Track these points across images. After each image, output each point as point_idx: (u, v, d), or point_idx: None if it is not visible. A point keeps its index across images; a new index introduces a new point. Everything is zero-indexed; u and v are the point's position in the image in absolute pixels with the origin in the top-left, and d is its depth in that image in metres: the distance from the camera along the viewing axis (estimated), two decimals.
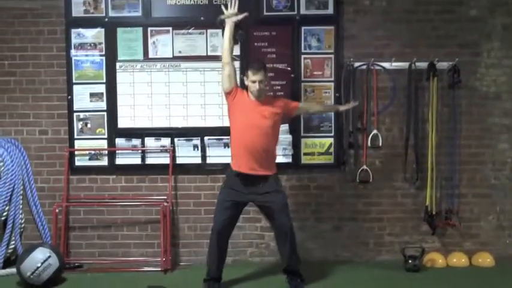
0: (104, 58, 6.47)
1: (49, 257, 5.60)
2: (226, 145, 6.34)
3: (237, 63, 6.20)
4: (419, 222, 6.52)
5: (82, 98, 6.47)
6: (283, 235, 5.50)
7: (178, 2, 6.46)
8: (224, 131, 6.23)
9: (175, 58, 6.45)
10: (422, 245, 6.27)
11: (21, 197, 6.30)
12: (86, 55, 6.47)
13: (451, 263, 6.39)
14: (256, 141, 5.36)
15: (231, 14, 5.53)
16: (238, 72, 5.99)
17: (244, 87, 5.61)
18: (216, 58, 6.30)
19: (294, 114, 5.86)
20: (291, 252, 5.54)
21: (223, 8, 5.61)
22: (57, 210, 6.34)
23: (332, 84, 6.49)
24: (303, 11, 6.46)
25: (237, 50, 6.22)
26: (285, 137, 6.25)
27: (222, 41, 5.63)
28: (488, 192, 6.59)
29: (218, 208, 5.53)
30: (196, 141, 6.45)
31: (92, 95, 6.47)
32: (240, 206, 5.53)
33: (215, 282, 5.59)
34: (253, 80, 5.39)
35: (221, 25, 5.59)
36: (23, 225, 6.38)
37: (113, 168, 6.50)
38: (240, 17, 5.55)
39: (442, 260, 6.35)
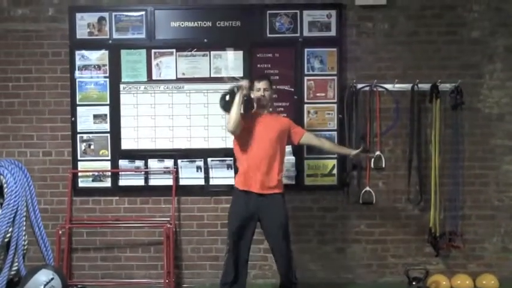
0: (107, 80, 6.50)
1: (52, 279, 5.56)
2: (229, 166, 6.35)
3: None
4: (423, 244, 6.50)
5: (86, 119, 6.49)
6: (279, 256, 5.51)
7: (182, 24, 6.49)
8: (227, 153, 6.26)
9: (178, 80, 6.48)
10: (426, 267, 6.20)
11: (24, 219, 6.26)
12: (90, 77, 6.49)
13: (455, 285, 6.36)
14: (265, 153, 5.39)
15: (244, 87, 5.45)
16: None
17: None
18: (220, 80, 6.38)
19: (298, 140, 5.73)
20: (285, 272, 5.53)
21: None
22: (60, 232, 6.32)
23: (335, 105, 6.50)
24: (306, 33, 6.49)
25: (239, 72, 6.30)
26: (288, 158, 6.22)
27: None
28: (492, 213, 6.57)
29: (230, 227, 5.51)
30: (200, 162, 6.45)
31: (95, 116, 6.49)
32: (251, 222, 5.49)
33: None
34: (258, 87, 5.53)
35: (230, 95, 5.44)
36: (26, 247, 6.34)
37: (116, 190, 6.51)
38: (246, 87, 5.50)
39: (446, 282, 6.32)
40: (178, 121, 6.48)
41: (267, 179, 5.41)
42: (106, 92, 6.50)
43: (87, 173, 6.50)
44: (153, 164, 6.47)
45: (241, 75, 6.37)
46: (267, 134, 5.41)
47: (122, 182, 6.50)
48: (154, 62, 6.49)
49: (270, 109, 5.79)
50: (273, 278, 6.17)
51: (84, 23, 6.48)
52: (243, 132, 5.44)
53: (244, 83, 5.45)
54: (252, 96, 5.56)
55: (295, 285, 5.61)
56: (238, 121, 5.31)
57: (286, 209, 5.58)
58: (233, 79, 6.34)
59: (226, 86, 6.08)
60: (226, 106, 5.42)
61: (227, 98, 5.40)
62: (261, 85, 5.52)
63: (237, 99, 5.33)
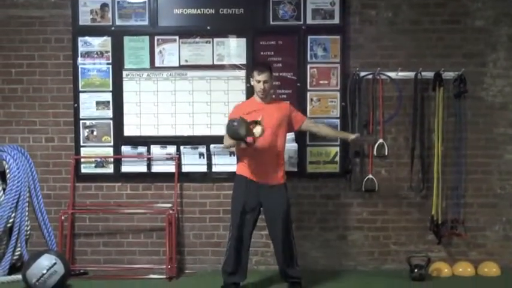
0: (110, 66, 6.49)
1: (55, 263, 5.60)
2: (231, 153, 6.35)
3: (242, 72, 6.28)
4: (425, 232, 6.50)
5: (88, 106, 6.49)
6: (279, 243, 5.55)
7: (185, 11, 6.48)
8: None
9: (181, 67, 6.47)
10: (428, 255, 6.23)
11: (27, 204, 6.31)
12: (93, 63, 6.49)
13: (456, 273, 6.36)
14: (267, 141, 5.41)
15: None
16: (244, 81, 6.25)
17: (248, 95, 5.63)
18: (222, 67, 6.39)
19: (299, 127, 5.77)
20: (289, 262, 5.59)
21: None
22: (62, 218, 6.35)
23: (338, 93, 6.50)
24: (309, 21, 6.47)
25: (242, 59, 6.32)
26: (290, 145, 6.24)
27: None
28: (494, 201, 6.57)
29: (234, 214, 5.57)
30: (202, 149, 6.46)
31: (98, 103, 6.49)
32: (255, 208, 5.54)
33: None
34: (258, 79, 5.50)
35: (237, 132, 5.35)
36: (28, 232, 6.38)
37: (119, 176, 6.51)
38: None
39: (447, 269, 6.33)
40: (180, 108, 6.48)
41: (270, 170, 5.47)
42: (109, 78, 6.50)
43: (90, 159, 6.50)
44: (156, 150, 6.47)
45: (244, 62, 6.36)
46: (268, 123, 5.39)
47: (125, 168, 6.50)
48: (157, 49, 6.48)
49: (273, 96, 5.80)
50: (275, 265, 6.16)
51: (87, 10, 6.47)
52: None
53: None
54: (252, 83, 5.60)
55: (297, 272, 5.63)
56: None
57: (288, 197, 5.62)
58: (235, 66, 6.35)
59: (228, 73, 6.14)
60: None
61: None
62: (261, 77, 5.49)
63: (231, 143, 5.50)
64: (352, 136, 5.81)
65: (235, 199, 5.58)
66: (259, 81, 5.49)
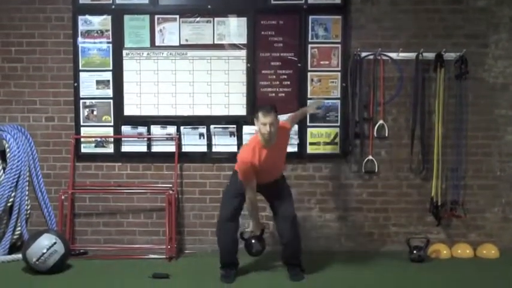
0: (110, 45, 6.47)
1: (55, 243, 5.61)
2: (232, 134, 6.36)
3: (243, 52, 6.25)
4: (425, 213, 6.52)
5: (88, 85, 6.47)
6: (287, 221, 5.49)
7: None
8: (230, 120, 6.32)
9: (182, 46, 6.44)
10: (427, 236, 6.26)
11: (27, 184, 6.32)
12: (93, 42, 6.46)
13: (455, 254, 6.38)
14: (274, 168, 5.45)
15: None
16: (244, 61, 6.21)
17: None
18: (223, 47, 6.36)
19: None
20: (294, 241, 5.55)
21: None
22: (63, 197, 6.35)
23: (339, 74, 6.48)
24: (310, 0, 6.43)
25: (243, 39, 6.28)
26: None
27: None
28: (494, 183, 6.58)
29: (226, 197, 5.57)
30: (202, 129, 6.45)
31: (98, 82, 6.48)
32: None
33: (232, 268, 5.61)
34: (263, 122, 5.16)
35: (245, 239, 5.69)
36: (29, 212, 6.41)
37: (119, 156, 6.52)
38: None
39: (446, 251, 6.35)
40: (181, 88, 6.46)
41: (271, 179, 5.49)
42: (109, 57, 6.47)
43: (90, 139, 6.50)
44: (156, 130, 6.47)
45: (245, 42, 6.33)
46: (274, 162, 5.39)
47: (125, 148, 6.50)
48: (157, 28, 6.45)
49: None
50: (274, 245, 6.17)
51: None
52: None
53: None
54: (256, 125, 5.31)
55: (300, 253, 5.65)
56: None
57: (287, 184, 5.70)
58: (234, 46, 6.31)
59: (229, 53, 6.10)
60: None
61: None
62: (267, 120, 5.14)
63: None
64: (309, 109, 6.10)
65: (231, 182, 5.57)
66: (265, 124, 5.15)
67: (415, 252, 6.11)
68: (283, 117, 5.71)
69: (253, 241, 5.61)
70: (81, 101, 6.49)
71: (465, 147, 6.50)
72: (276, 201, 5.54)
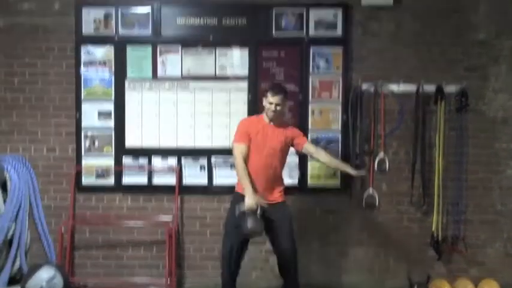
0: (113, 76, 6.49)
1: (54, 276, 5.60)
2: (233, 166, 6.32)
3: (244, 83, 6.27)
4: (426, 248, 6.49)
5: (90, 115, 6.49)
6: (285, 261, 5.50)
7: (188, 21, 6.48)
8: (231, 152, 6.23)
9: (183, 77, 6.46)
10: (428, 271, 6.25)
11: (27, 215, 6.31)
12: (96, 72, 6.48)
13: None
14: (266, 163, 5.40)
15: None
16: (246, 93, 6.29)
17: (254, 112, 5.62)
18: (224, 78, 6.39)
19: (299, 150, 5.74)
20: (291, 279, 5.54)
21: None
22: (63, 229, 6.35)
23: (339, 106, 6.49)
24: (312, 32, 6.47)
25: (244, 70, 6.36)
26: (291, 159, 6.23)
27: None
28: (495, 218, 6.56)
29: (228, 229, 5.53)
30: (203, 161, 6.46)
31: (100, 113, 6.49)
32: None
33: None
34: (270, 101, 5.37)
35: (240, 218, 5.31)
36: (28, 244, 6.39)
37: (120, 188, 6.52)
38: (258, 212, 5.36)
39: (448, 286, 6.27)
40: (182, 119, 6.48)
41: (267, 191, 5.43)
42: (111, 88, 6.50)
43: (91, 170, 6.50)
44: (157, 162, 6.48)
45: (247, 73, 6.40)
46: (270, 146, 5.42)
47: (126, 180, 6.50)
48: (159, 59, 6.48)
49: (285, 119, 5.84)
50: (274, 280, 6.17)
51: (91, 18, 6.48)
52: (251, 137, 5.45)
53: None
54: (264, 103, 5.48)
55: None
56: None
57: (290, 212, 5.60)
58: (237, 78, 6.38)
59: (231, 85, 6.13)
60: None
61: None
62: (274, 99, 5.36)
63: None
64: (353, 172, 5.74)
65: (231, 215, 5.52)
66: (271, 103, 5.37)
67: (416, 287, 6.09)
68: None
69: (247, 219, 5.17)
70: (83, 131, 6.49)
71: (466, 181, 6.50)
72: (275, 232, 5.49)
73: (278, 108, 5.38)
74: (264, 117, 5.51)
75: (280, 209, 5.48)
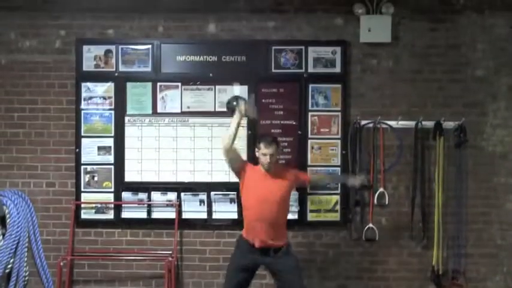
0: (113, 112, 6.52)
1: None
2: (232, 201, 6.35)
3: (244, 120, 6.28)
4: (426, 282, 6.46)
5: (90, 151, 6.50)
6: None
7: (188, 58, 6.54)
8: (230, 187, 6.29)
9: (183, 113, 6.50)
10: None
11: (26, 250, 6.25)
12: (96, 109, 6.52)
13: None
14: (268, 213, 5.34)
15: (246, 110, 5.49)
16: (245, 128, 6.15)
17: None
18: (224, 114, 6.30)
19: (306, 186, 5.94)
20: None
21: (235, 88, 5.65)
22: (61, 264, 6.31)
23: (339, 141, 6.52)
24: (310, 69, 6.53)
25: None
26: (291, 193, 6.26)
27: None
28: (495, 252, 6.54)
29: (229, 272, 5.50)
30: (203, 196, 6.46)
31: (100, 148, 6.51)
32: (251, 270, 5.49)
33: None
34: (264, 152, 5.40)
35: (229, 109, 5.62)
36: (27, 278, 6.30)
37: (119, 222, 6.50)
38: (253, 114, 5.63)
39: None
40: (182, 154, 6.50)
41: (269, 239, 5.38)
42: (111, 124, 6.52)
43: (90, 205, 6.50)
44: (156, 196, 6.48)
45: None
46: (271, 196, 5.38)
47: (125, 214, 6.49)
48: (159, 95, 6.52)
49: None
50: None
51: (91, 55, 6.53)
52: (249, 187, 5.47)
53: (243, 106, 5.44)
54: (257, 154, 5.52)
55: None
56: (234, 137, 5.39)
57: (294, 254, 5.59)
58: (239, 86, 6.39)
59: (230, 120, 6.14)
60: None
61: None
62: (268, 151, 5.39)
63: (236, 121, 5.41)
64: (350, 181, 5.96)
65: (233, 257, 5.54)
66: (265, 154, 5.40)
67: None
68: None
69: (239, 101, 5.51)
70: (83, 166, 6.50)
71: (465, 215, 6.49)
72: (280, 278, 5.47)
73: (273, 158, 5.42)
74: (261, 168, 5.49)
75: (284, 258, 5.42)
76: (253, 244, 5.36)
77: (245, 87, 6.47)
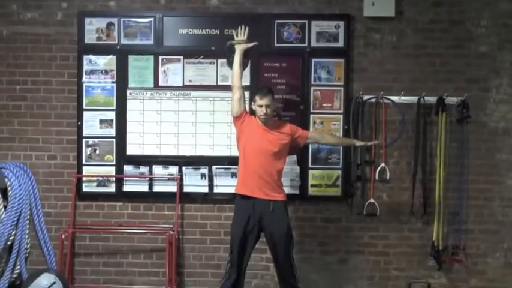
0: (114, 85, 6.51)
1: (54, 283, 5.55)
2: (233, 175, 6.34)
3: (246, 93, 6.27)
4: (426, 257, 6.48)
5: (92, 124, 6.50)
6: (282, 274, 5.55)
7: (190, 31, 6.50)
8: (232, 161, 6.26)
9: (185, 87, 6.48)
10: (429, 281, 6.26)
11: (27, 222, 6.27)
12: (97, 82, 6.50)
13: None
14: (264, 165, 5.42)
15: (242, 41, 5.69)
16: (247, 101, 6.06)
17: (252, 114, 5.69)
18: (226, 88, 6.31)
19: (304, 143, 5.85)
20: (287, 282, 5.55)
21: (234, 33, 5.68)
22: (63, 236, 6.34)
23: (341, 116, 6.50)
24: (313, 43, 6.49)
25: (246, 80, 6.27)
26: (292, 168, 6.27)
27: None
28: (496, 228, 6.54)
29: (233, 238, 5.54)
30: (204, 170, 6.46)
31: (101, 121, 6.50)
32: (256, 233, 5.53)
33: None
34: (260, 104, 5.49)
35: (229, 51, 5.76)
36: (28, 250, 6.33)
37: (120, 195, 6.51)
38: (250, 45, 5.74)
39: None
40: (183, 128, 6.49)
41: (267, 187, 5.45)
42: (113, 97, 6.51)
43: (92, 178, 6.51)
44: (158, 170, 6.48)
45: (248, 84, 6.35)
46: (267, 147, 5.46)
47: (126, 188, 6.50)
48: (161, 69, 6.49)
49: (276, 118, 5.85)
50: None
51: (93, 28, 6.49)
52: (245, 139, 5.54)
53: (240, 38, 5.67)
54: (253, 107, 5.61)
55: None
56: (240, 74, 5.62)
57: (288, 218, 5.62)
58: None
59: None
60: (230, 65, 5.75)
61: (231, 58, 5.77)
62: (263, 102, 5.49)
63: (237, 58, 5.63)
64: (357, 143, 5.97)
65: (235, 221, 5.58)
66: (261, 106, 5.48)
67: None
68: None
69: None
70: (84, 140, 6.50)
71: (467, 192, 6.49)
72: (271, 244, 5.55)
73: (268, 110, 5.49)
74: (258, 121, 5.59)
75: (279, 214, 5.48)
76: (250, 197, 5.43)
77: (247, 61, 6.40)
